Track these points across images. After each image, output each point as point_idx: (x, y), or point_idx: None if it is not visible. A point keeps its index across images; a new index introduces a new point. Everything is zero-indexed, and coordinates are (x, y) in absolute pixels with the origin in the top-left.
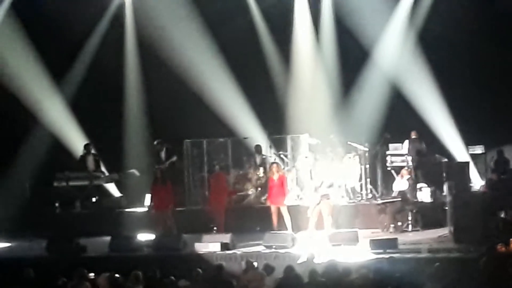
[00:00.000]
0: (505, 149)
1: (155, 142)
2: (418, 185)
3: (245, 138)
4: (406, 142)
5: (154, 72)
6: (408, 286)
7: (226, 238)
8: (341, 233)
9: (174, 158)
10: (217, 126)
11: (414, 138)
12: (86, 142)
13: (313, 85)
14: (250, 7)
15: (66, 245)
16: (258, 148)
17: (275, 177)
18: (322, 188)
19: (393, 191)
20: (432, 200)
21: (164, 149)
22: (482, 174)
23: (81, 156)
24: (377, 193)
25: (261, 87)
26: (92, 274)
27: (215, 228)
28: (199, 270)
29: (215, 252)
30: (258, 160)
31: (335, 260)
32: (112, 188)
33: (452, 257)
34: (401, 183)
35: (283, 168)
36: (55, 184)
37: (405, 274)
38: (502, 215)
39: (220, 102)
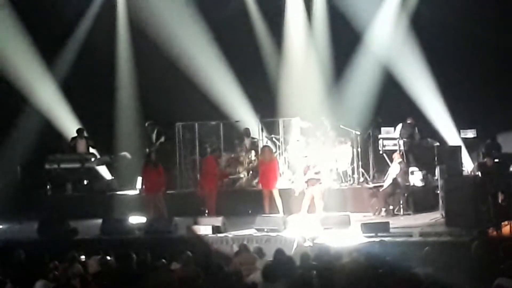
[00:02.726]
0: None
1: (146, 124)
2: (410, 169)
3: (237, 121)
4: (399, 126)
5: (146, 55)
6: (400, 269)
7: (218, 221)
8: (333, 216)
9: (163, 139)
10: (209, 109)
11: (408, 123)
12: (78, 127)
13: (305, 68)
14: None
15: (58, 228)
16: (246, 132)
17: (267, 160)
18: (311, 172)
19: (385, 176)
20: (423, 184)
21: (156, 130)
22: (473, 158)
23: (72, 139)
24: (369, 177)
25: (253, 70)
26: (83, 257)
27: (206, 211)
28: (189, 253)
29: (206, 235)
30: (247, 143)
31: (327, 243)
32: (103, 170)
33: (444, 241)
34: (392, 167)
35: (275, 152)
36: (47, 166)
37: (397, 258)
38: (494, 199)
39: (212, 85)
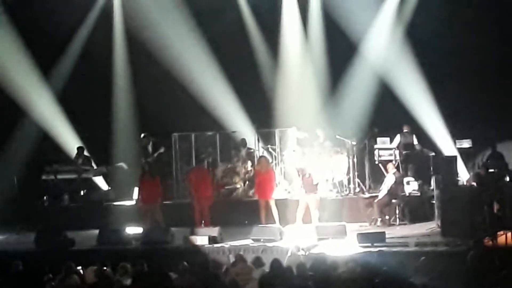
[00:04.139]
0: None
1: (141, 136)
2: (406, 179)
3: (233, 132)
4: (398, 136)
5: (143, 65)
6: (396, 279)
7: (214, 231)
8: (329, 226)
9: (162, 149)
10: (206, 119)
11: (405, 132)
12: (74, 137)
13: (301, 79)
14: (238, 1)
15: (55, 238)
16: (243, 142)
17: (263, 170)
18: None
19: (381, 186)
20: (419, 194)
21: (151, 142)
22: (469, 168)
23: (74, 158)
24: (365, 187)
25: (249, 81)
26: (80, 267)
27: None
28: (185, 263)
29: (203, 245)
30: (243, 153)
31: (323, 253)
32: (100, 181)
33: (440, 251)
34: (387, 177)
35: (271, 162)
36: (43, 177)
37: (393, 268)
38: (489, 209)
39: (209, 96)
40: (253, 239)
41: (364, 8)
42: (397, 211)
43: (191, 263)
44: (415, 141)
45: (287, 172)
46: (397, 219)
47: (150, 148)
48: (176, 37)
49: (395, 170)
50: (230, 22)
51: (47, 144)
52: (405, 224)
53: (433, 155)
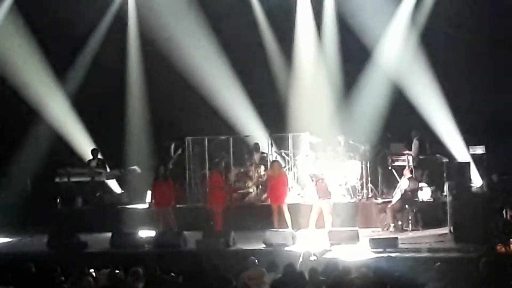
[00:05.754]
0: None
1: (172, 144)
2: (419, 185)
3: (247, 136)
4: (416, 142)
5: (156, 69)
6: (408, 285)
7: (227, 235)
8: (342, 231)
9: (180, 151)
10: (219, 123)
11: (421, 137)
12: (88, 140)
13: (314, 83)
14: (252, 5)
15: (67, 241)
16: (256, 146)
17: (276, 175)
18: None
19: (394, 192)
20: (432, 200)
21: (173, 145)
22: (482, 175)
23: (88, 161)
24: (378, 192)
25: (263, 85)
26: (92, 270)
27: (211, 222)
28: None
29: (216, 249)
30: (256, 158)
31: (335, 258)
32: (113, 184)
33: (452, 257)
34: (401, 182)
35: (284, 166)
36: (57, 180)
37: (405, 274)
38: (502, 216)
39: (222, 100)
40: (265, 244)
41: (378, 13)
42: (410, 217)
43: (203, 267)
44: (427, 148)
45: (300, 176)
46: (410, 225)
47: (172, 151)
48: (190, 41)
49: (410, 175)
50: (244, 27)
51: (61, 147)
52: (417, 229)
53: (446, 161)
